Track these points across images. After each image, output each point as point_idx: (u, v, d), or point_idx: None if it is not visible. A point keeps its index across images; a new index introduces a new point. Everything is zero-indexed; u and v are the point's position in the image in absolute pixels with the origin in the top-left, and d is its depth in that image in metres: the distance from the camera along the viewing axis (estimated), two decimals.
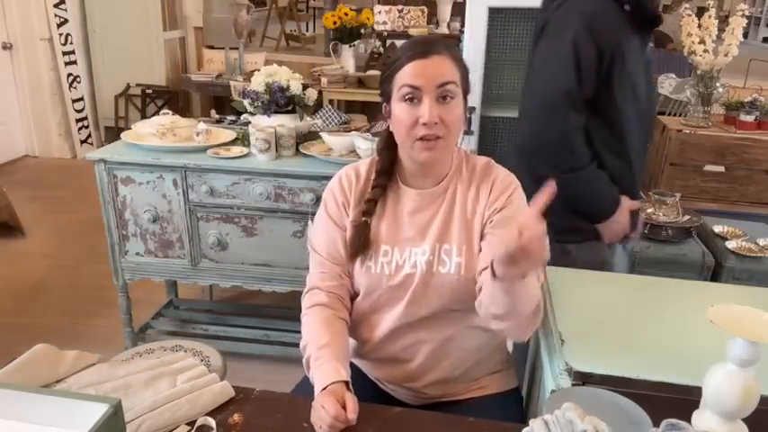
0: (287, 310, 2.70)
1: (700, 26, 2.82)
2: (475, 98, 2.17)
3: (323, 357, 1.17)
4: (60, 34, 5.08)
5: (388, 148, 1.28)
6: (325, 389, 1.11)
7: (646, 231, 2.14)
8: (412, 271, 1.24)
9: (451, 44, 1.24)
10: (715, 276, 2.09)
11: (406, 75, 1.17)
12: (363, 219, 1.27)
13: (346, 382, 1.13)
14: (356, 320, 1.33)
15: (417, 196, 1.27)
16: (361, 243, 1.26)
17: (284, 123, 2.26)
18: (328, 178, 2.13)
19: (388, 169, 1.29)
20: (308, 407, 1.12)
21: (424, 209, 1.27)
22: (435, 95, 1.16)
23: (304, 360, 1.22)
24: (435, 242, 1.25)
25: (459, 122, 1.22)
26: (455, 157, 1.29)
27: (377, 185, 1.28)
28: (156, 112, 3.16)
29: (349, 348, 1.30)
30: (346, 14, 4.56)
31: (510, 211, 1.23)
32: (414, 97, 1.16)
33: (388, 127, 1.26)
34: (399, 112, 1.19)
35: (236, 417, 1.10)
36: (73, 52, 5.22)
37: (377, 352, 1.33)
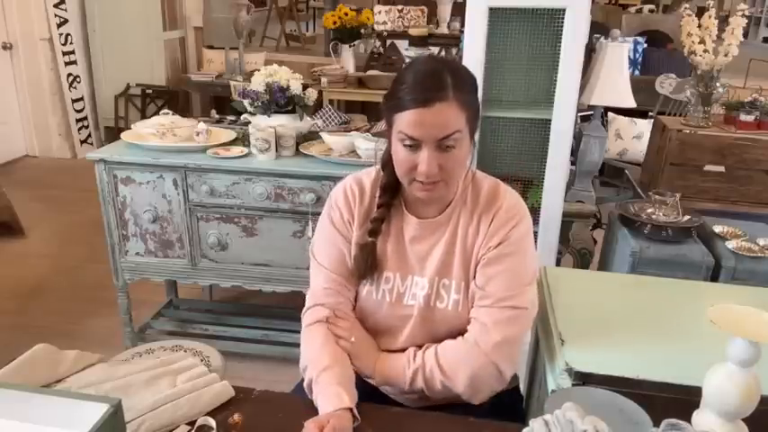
0: (287, 310, 2.70)
1: (700, 26, 2.82)
2: None
3: (324, 381, 1.13)
4: (60, 34, 5.08)
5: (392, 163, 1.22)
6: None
7: (646, 231, 2.14)
8: (411, 303, 1.23)
9: (461, 78, 1.13)
10: (715, 276, 2.08)
11: (405, 122, 1.10)
12: (370, 239, 1.23)
13: (350, 408, 1.09)
14: None
15: (418, 225, 1.23)
16: (368, 265, 1.22)
17: (284, 123, 2.26)
18: (328, 178, 2.17)
19: (393, 184, 1.23)
20: (308, 407, 1.12)
21: (424, 239, 1.23)
22: (436, 146, 1.10)
23: (305, 384, 1.18)
24: (435, 275, 1.22)
25: (463, 164, 1.16)
26: (461, 181, 1.23)
27: (382, 204, 1.23)
28: (156, 112, 3.16)
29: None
30: (346, 14, 4.56)
31: (507, 248, 1.18)
32: (412, 145, 1.11)
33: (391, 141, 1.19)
34: (397, 152, 1.14)
35: (236, 417, 1.10)
36: (73, 52, 5.22)
37: None
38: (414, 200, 1.23)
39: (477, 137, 1.20)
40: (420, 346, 1.23)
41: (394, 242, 1.24)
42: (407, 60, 2.52)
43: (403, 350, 1.24)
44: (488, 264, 1.19)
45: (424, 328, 1.23)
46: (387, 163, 1.22)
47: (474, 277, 1.21)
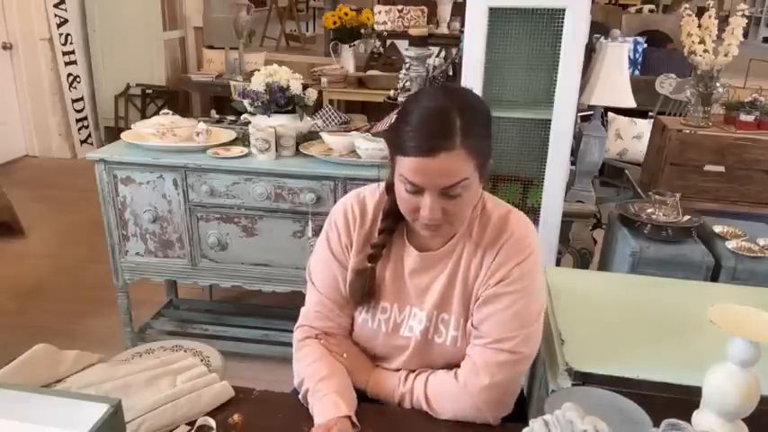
0: (287, 310, 2.70)
1: (700, 26, 2.82)
2: None
3: (322, 390, 1.12)
4: (60, 34, 5.08)
5: None
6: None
7: (646, 231, 2.14)
8: (408, 335, 1.18)
9: (472, 119, 1.02)
10: (715, 276, 2.08)
11: (406, 168, 1.02)
12: (369, 265, 1.17)
13: (348, 416, 1.08)
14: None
15: (418, 258, 1.16)
16: (365, 292, 1.17)
17: (284, 123, 2.26)
18: (328, 178, 2.17)
19: (396, 210, 1.13)
20: (308, 407, 1.12)
21: (425, 271, 1.17)
22: (440, 192, 1.02)
23: (301, 395, 1.16)
24: (433, 309, 1.16)
25: (470, 206, 1.09)
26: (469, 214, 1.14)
27: (384, 229, 1.17)
28: (156, 112, 3.16)
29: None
30: (346, 14, 4.57)
31: (508, 287, 1.10)
32: (415, 191, 1.04)
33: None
34: (400, 191, 1.07)
35: (236, 417, 1.10)
36: (73, 52, 5.22)
37: None
38: (416, 231, 1.15)
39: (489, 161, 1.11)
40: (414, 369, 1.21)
41: (392, 271, 1.19)
42: (406, 61, 2.51)
43: (397, 370, 1.22)
44: (486, 302, 1.12)
45: (420, 359, 1.19)
46: (391, 188, 1.13)
47: (472, 315, 1.15)
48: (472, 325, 1.14)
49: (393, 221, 1.16)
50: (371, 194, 1.21)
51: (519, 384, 1.18)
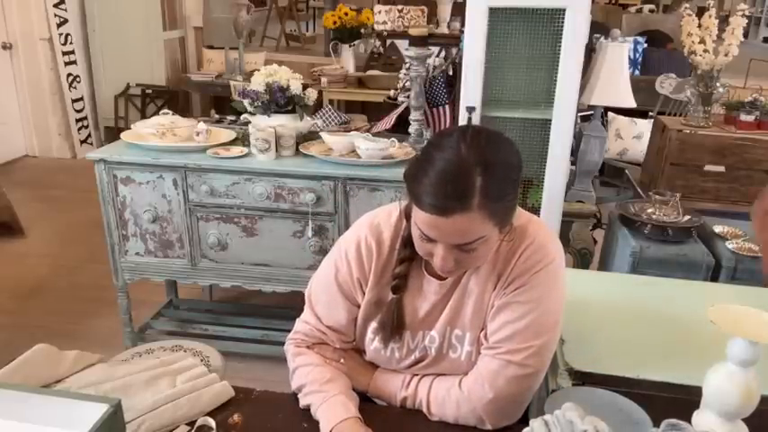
0: (287, 310, 2.70)
1: (700, 26, 2.82)
2: (475, 98, 2.17)
3: (330, 391, 1.10)
4: (60, 34, 5.08)
5: None
6: (333, 429, 1.05)
7: (646, 231, 2.14)
8: (421, 355, 1.16)
9: (495, 179, 0.95)
10: (715, 276, 2.09)
11: (420, 220, 0.98)
12: (395, 296, 1.13)
13: (358, 418, 1.07)
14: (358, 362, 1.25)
15: (439, 287, 1.13)
16: (395, 326, 1.13)
17: (284, 123, 2.26)
18: (328, 178, 2.17)
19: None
20: (308, 407, 1.12)
21: (442, 296, 1.14)
22: (453, 245, 0.99)
23: (302, 397, 1.14)
24: (446, 325, 1.14)
25: (488, 254, 1.05)
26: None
27: (405, 258, 1.11)
28: (156, 112, 3.16)
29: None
30: (346, 14, 4.57)
31: (521, 296, 1.06)
32: (429, 239, 1.00)
33: None
34: (414, 233, 1.03)
35: (236, 417, 1.10)
36: (73, 52, 5.22)
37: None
38: None
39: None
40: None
41: (410, 301, 1.15)
42: (406, 60, 2.50)
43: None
44: (499, 310, 1.08)
45: (432, 369, 1.18)
46: (409, 214, 1.06)
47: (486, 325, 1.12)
48: (485, 337, 1.11)
49: (413, 249, 1.09)
50: (387, 220, 1.15)
51: (528, 398, 1.12)
